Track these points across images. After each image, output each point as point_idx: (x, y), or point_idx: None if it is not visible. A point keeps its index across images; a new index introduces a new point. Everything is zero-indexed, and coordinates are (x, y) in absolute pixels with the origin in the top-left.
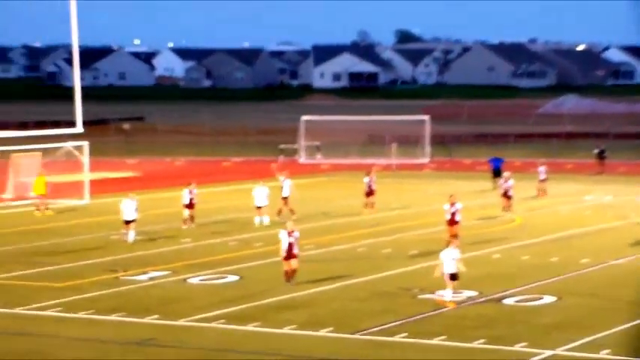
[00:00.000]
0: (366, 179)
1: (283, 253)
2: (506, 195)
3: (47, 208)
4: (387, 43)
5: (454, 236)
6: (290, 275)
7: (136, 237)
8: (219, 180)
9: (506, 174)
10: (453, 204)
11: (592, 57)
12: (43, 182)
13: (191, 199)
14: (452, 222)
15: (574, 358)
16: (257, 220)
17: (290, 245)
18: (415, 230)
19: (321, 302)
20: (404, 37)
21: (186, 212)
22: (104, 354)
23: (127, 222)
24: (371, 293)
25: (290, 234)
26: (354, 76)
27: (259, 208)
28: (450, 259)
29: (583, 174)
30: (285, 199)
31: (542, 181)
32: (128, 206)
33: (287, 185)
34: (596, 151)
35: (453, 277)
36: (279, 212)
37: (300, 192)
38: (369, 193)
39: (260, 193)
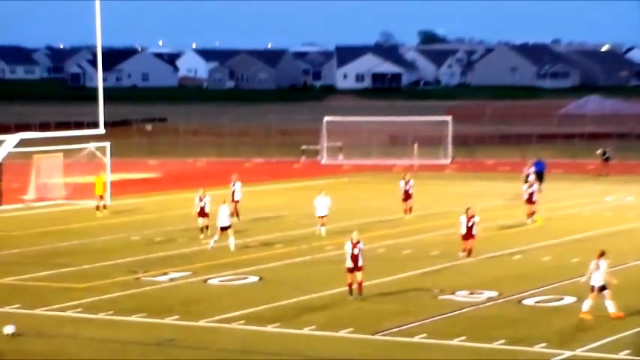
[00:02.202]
0: (402, 183)
1: (348, 264)
2: (530, 200)
3: (105, 207)
4: (411, 43)
5: (468, 251)
6: (358, 289)
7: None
8: (241, 181)
9: (531, 179)
10: (470, 217)
11: (615, 58)
12: (102, 182)
13: (202, 207)
14: (468, 235)
15: (594, 358)
16: (318, 229)
17: (355, 257)
18: (436, 231)
19: (340, 303)
20: (427, 37)
21: (200, 221)
22: (124, 355)
23: (223, 229)
24: (391, 294)
25: (355, 245)
26: (377, 77)
27: (321, 217)
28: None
29: (604, 175)
30: (236, 201)
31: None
32: (224, 212)
33: (238, 188)
34: (599, 151)
35: (602, 288)
36: (232, 215)
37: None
38: (406, 197)
39: (322, 203)
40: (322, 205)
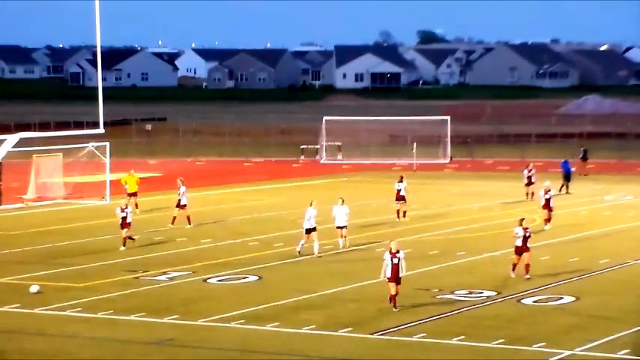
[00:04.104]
0: (396, 185)
1: (387, 274)
2: (547, 206)
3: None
4: (410, 43)
5: (526, 267)
6: (393, 301)
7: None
8: (240, 180)
9: (546, 183)
10: (525, 228)
11: (614, 57)
12: (135, 180)
13: (124, 218)
14: (524, 249)
15: (592, 358)
16: (340, 242)
17: (395, 267)
18: (435, 231)
19: (339, 302)
20: (426, 37)
21: (124, 232)
22: (124, 354)
23: (308, 230)
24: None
25: (394, 255)
26: (376, 77)
27: (340, 228)
28: None
29: (603, 174)
30: (182, 206)
31: (532, 184)
32: (311, 214)
33: (183, 192)
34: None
35: None
36: (173, 222)
37: (321, 192)
38: (399, 198)
39: (340, 212)
40: (341, 214)
